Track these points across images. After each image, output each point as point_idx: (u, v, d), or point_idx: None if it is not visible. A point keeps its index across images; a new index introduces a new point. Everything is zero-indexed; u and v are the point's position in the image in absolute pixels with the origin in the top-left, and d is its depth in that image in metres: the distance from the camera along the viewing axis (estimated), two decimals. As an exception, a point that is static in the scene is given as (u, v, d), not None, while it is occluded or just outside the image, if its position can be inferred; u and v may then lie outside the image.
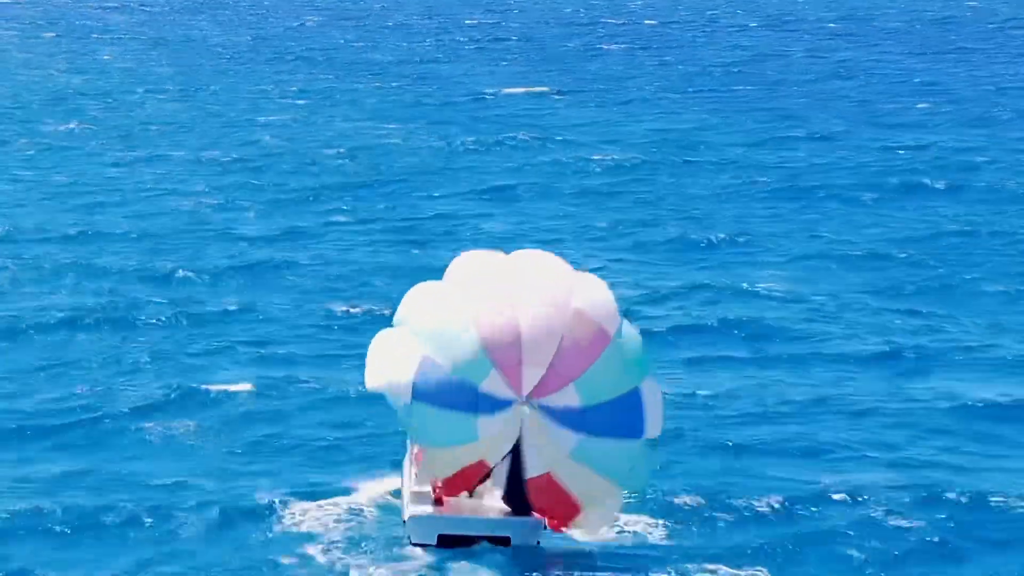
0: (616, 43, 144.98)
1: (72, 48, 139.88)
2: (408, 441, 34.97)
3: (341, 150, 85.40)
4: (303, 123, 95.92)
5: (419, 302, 32.68)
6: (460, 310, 31.79)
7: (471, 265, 33.03)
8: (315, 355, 48.79)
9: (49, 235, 64.40)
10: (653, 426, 32.11)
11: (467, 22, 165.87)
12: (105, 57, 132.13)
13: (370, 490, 37.08)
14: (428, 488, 33.14)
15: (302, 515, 35.89)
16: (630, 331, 32.45)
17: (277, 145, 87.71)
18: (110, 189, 74.74)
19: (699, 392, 44.93)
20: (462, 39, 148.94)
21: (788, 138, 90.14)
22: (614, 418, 31.73)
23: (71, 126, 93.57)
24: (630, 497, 33.98)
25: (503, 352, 31.35)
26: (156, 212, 69.48)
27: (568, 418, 31.57)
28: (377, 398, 33.82)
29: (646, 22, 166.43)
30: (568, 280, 32.33)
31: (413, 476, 33.82)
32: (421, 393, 31.58)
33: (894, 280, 58.51)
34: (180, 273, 58.21)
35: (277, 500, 36.65)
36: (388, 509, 35.87)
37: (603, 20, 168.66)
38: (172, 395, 44.42)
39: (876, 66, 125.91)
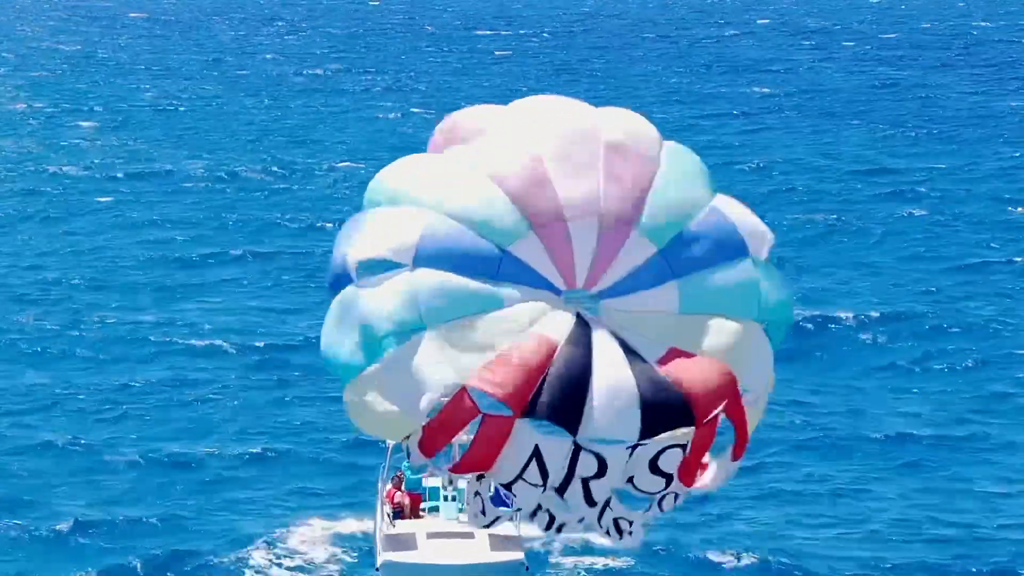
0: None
1: None
2: (379, 480, 30.64)
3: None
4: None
5: (410, 172, 23.84)
6: (474, 167, 23.46)
7: (469, 122, 24.27)
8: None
9: None
10: (757, 243, 23.90)
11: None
12: None
13: (340, 529, 35.38)
14: (401, 532, 28.59)
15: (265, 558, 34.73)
16: (677, 148, 24.64)
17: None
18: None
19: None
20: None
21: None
22: (703, 244, 23.62)
23: None
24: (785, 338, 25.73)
25: (542, 216, 23.16)
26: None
27: (650, 273, 23.40)
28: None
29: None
30: (591, 115, 24.29)
31: (386, 518, 29.27)
32: (426, 257, 22.83)
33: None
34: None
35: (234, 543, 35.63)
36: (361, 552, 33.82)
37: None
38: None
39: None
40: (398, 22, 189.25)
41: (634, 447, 22.52)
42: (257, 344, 54.09)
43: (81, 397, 48.46)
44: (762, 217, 24.56)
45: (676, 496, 23.49)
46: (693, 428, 22.71)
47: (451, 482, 31.28)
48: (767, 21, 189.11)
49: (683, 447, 22.79)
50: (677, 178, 24.05)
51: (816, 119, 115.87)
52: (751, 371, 23.21)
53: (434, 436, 22.56)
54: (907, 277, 67.82)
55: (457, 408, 22.37)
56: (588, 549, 36.71)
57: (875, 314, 60.23)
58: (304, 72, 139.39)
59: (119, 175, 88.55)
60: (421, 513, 31.57)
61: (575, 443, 22.36)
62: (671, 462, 22.83)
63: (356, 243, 23.24)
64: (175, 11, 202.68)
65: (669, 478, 22.89)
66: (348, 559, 35.89)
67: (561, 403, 22.30)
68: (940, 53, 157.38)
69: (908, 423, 48.95)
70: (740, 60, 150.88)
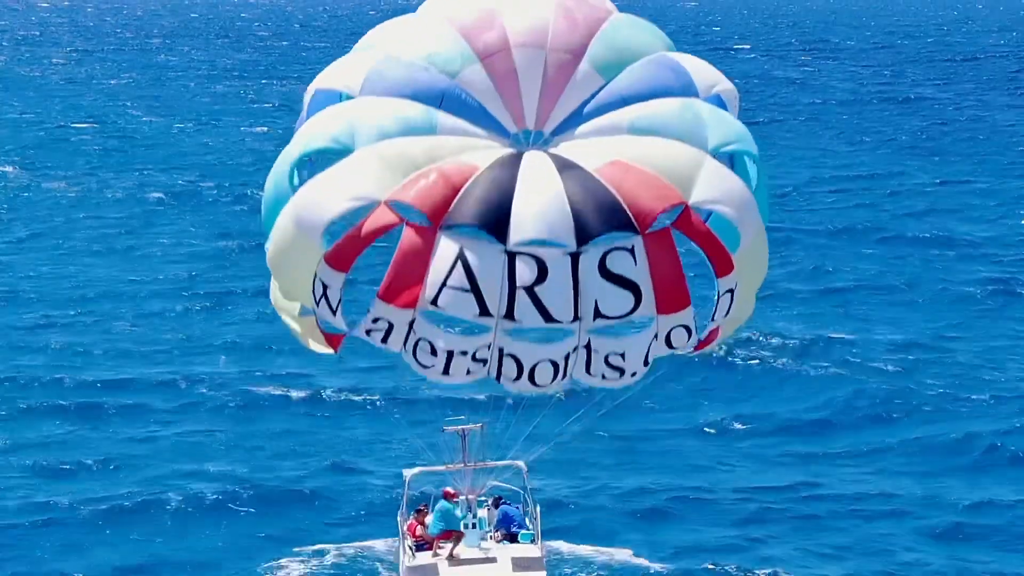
0: None
1: None
2: (399, 512, 30.02)
3: None
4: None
5: (384, 26, 23.99)
6: (434, 15, 23.48)
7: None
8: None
9: None
10: (709, 86, 23.13)
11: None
12: None
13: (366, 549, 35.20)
14: (423, 562, 27.90)
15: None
16: (634, 16, 24.05)
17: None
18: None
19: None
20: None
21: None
22: (651, 78, 22.74)
23: None
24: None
25: (489, 48, 22.70)
26: None
27: (598, 104, 22.60)
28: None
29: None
30: None
31: (408, 550, 28.58)
32: (372, 84, 22.63)
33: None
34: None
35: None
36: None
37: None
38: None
39: None
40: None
41: (575, 255, 21.23)
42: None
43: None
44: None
45: (687, 331, 22.06)
46: (637, 235, 21.39)
47: (471, 510, 30.33)
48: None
49: (631, 254, 21.35)
50: (630, 25, 23.52)
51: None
52: (707, 188, 21.93)
53: (350, 244, 21.72)
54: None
55: (376, 219, 21.53)
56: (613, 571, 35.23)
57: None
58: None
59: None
60: (441, 547, 30.42)
61: (507, 252, 21.18)
62: (627, 267, 21.34)
63: (314, 81, 23.58)
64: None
65: (635, 289, 21.39)
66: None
67: (484, 208, 21.32)
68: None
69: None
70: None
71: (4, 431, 44.19)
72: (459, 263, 21.27)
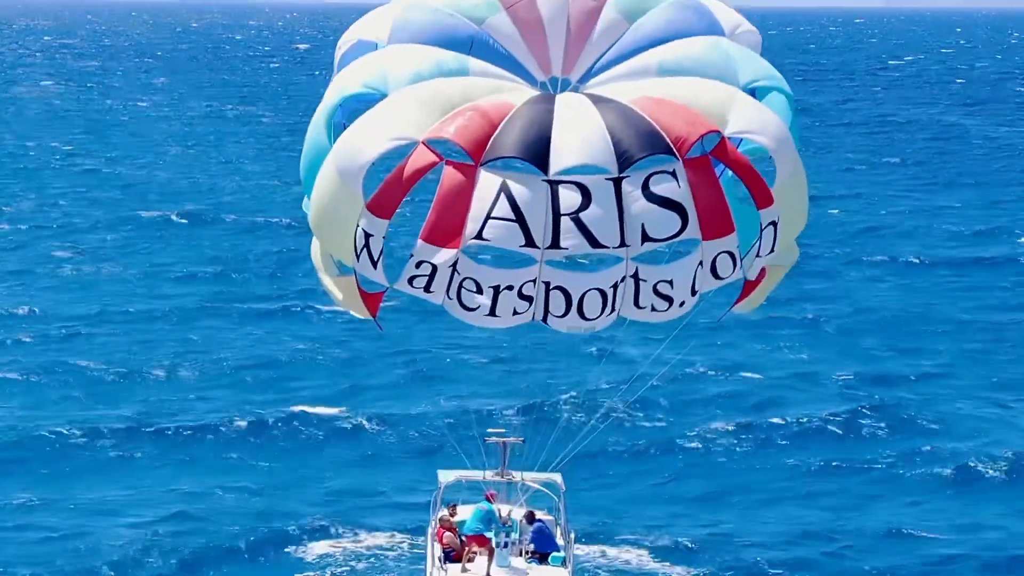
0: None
1: None
2: (431, 520, 28.98)
3: None
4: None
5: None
6: None
7: None
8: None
9: None
10: (733, 27, 23.30)
11: None
12: None
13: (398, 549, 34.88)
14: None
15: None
16: None
17: None
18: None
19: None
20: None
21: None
22: (677, 17, 22.98)
23: None
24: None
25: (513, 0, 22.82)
26: None
27: (624, 46, 22.78)
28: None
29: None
30: None
31: (436, 561, 27.82)
32: (399, 32, 22.76)
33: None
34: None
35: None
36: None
37: None
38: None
39: None
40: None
41: (618, 181, 21.13)
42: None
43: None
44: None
45: (732, 258, 21.80)
46: (677, 160, 21.39)
47: (506, 526, 29.74)
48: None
49: (673, 177, 21.31)
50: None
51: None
52: (741, 119, 21.94)
53: (391, 189, 21.51)
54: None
55: (416, 160, 21.42)
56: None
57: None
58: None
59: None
60: (473, 553, 29.74)
61: (549, 181, 21.08)
62: (671, 189, 21.25)
63: (344, 35, 23.74)
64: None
65: (680, 210, 21.26)
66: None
67: (524, 140, 21.23)
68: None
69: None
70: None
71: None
72: (502, 195, 21.18)
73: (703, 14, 23.37)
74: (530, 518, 29.00)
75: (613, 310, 21.88)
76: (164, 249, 74.26)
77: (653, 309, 21.96)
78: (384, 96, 22.19)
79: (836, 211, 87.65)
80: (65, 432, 43.75)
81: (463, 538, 28.56)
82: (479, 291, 21.61)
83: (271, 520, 37.42)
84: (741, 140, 22.38)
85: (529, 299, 21.69)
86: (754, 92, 23.01)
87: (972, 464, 42.54)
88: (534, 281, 21.55)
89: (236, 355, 53.29)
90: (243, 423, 44.86)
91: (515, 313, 21.81)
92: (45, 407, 46.99)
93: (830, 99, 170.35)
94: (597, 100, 22.03)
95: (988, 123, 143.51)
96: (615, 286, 21.69)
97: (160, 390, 48.98)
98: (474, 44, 22.75)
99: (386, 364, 51.83)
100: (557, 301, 21.69)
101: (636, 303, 21.92)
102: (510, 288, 21.56)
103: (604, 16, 23.17)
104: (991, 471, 42.19)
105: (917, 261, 73.74)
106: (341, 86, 22.68)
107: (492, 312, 21.78)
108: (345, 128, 22.48)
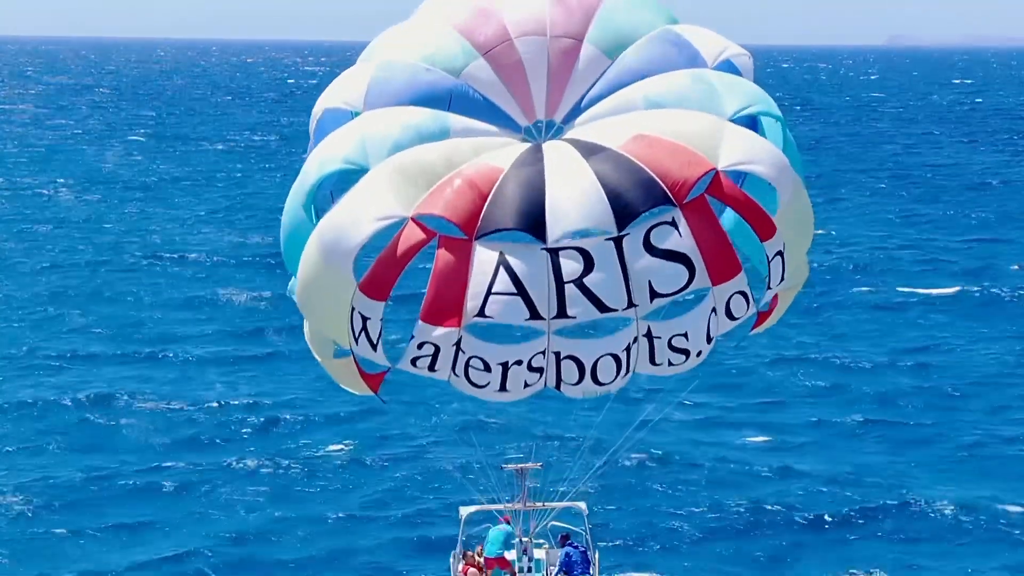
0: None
1: None
2: (452, 556, 28.16)
3: None
4: None
5: (384, 33, 23.24)
6: (431, 18, 22.83)
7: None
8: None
9: None
10: (716, 53, 22.31)
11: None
12: None
13: None
14: None
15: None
16: None
17: None
18: None
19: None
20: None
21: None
22: (658, 52, 22.04)
23: None
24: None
25: (490, 41, 22.03)
26: None
27: (607, 82, 21.89)
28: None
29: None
30: None
31: None
32: (375, 96, 21.76)
33: None
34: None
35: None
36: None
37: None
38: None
39: None
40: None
41: (618, 239, 20.26)
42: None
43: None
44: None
45: (745, 297, 20.96)
46: (675, 207, 20.50)
47: (526, 552, 29.09)
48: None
49: (673, 226, 20.43)
50: (626, 5, 22.75)
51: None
52: (733, 151, 21.04)
53: (385, 269, 20.60)
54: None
55: (408, 238, 20.49)
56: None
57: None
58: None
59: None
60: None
61: (548, 249, 20.17)
62: (673, 240, 20.40)
63: (318, 102, 22.67)
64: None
65: (686, 261, 20.41)
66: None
67: (518, 209, 20.33)
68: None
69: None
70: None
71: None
72: (501, 268, 20.31)
73: (683, 46, 22.37)
74: (562, 541, 28.54)
75: (628, 371, 21.06)
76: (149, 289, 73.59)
77: (670, 364, 21.16)
78: (365, 170, 21.21)
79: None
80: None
81: (483, 560, 28.21)
82: (487, 368, 20.76)
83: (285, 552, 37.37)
84: (741, 173, 21.49)
85: (540, 370, 20.88)
86: (751, 120, 22.08)
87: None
88: (544, 352, 20.72)
89: (237, 395, 52.95)
90: (251, 463, 44.85)
91: (527, 385, 20.99)
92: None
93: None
94: (588, 152, 21.05)
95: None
96: (628, 348, 20.85)
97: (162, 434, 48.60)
98: (453, 98, 21.81)
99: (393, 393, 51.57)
100: (569, 369, 20.87)
101: (652, 360, 21.10)
102: (519, 363, 20.74)
103: (583, 54, 22.23)
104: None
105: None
106: (320, 162, 21.65)
107: (503, 388, 20.94)
108: (331, 200, 21.55)
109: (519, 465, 28.45)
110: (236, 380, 55.61)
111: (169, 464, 45.32)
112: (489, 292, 20.32)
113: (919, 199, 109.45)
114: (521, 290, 20.26)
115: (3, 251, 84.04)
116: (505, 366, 20.71)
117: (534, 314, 20.35)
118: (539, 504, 28.23)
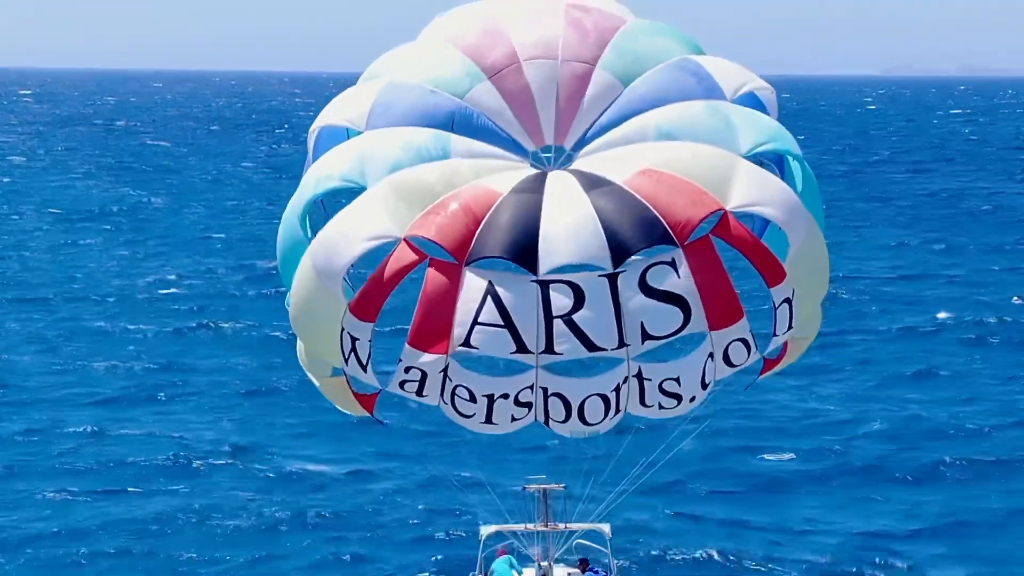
0: None
1: None
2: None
3: None
4: None
5: (388, 54, 22.56)
6: (436, 39, 22.14)
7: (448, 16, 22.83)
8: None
9: None
10: (737, 85, 21.33)
11: None
12: None
13: None
14: None
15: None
16: (654, 23, 22.50)
17: None
18: None
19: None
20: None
21: None
22: (673, 81, 21.10)
23: None
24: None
25: (498, 63, 21.25)
26: None
27: (619, 110, 20.96)
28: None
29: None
30: None
31: None
32: (378, 116, 21.06)
33: None
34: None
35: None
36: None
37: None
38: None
39: None
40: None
41: (613, 276, 19.44)
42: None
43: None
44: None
45: (746, 345, 20.07)
46: (676, 248, 19.66)
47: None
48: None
49: (672, 267, 19.55)
50: (648, 30, 21.92)
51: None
52: (745, 191, 20.13)
53: (374, 290, 20.05)
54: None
55: (398, 259, 19.91)
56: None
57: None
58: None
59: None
60: None
61: (538, 282, 19.48)
62: (670, 281, 19.52)
63: (318, 118, 22.03)
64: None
65: (682, 304, 19.52)
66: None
67: (510, 238, 19.63)
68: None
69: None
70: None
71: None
72: (488, 298, 19.63)
73: (702, 77, 21.45)
74: (583, 567, 27.85)
75: (618, 411, 20.33)
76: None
77: (661, 407, 20.36)
78: (362, 189, 20.61)
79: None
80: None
81: None
82: (472, 399, 20.13)
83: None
84: (751, 215, 20.57)
85: (527, 405, 20.20)
86: (763, 158, 21.13)
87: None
88: (531, 387, 20.04)
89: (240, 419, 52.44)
90: (261, 489, 44.34)
91: (514, 420, 20.34)
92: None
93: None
94: (590, 184, 20.24)
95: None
96: (617, 388, 20.10)
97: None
98: (456, 120, 21.06)
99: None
100: (556, 408, 20.18)
101: (642, 402, 20.33)
102: (505, 396, 20.06)
103: (596, 79, 21.39)
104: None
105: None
106: (317, 179, 21.06)
107: (488, 420, 20.29)
108: (324, 212, 21.02)
109: (542, 486, 27.71)
110: (234, 408, 55.19)
111: (169, 488, 45.02)
112: (475, 322, 19.68)
113: (927, 228, 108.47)
114: (508, 322, 19.60)
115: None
116: (491, 398, 20.09)
117: (520, 347, 19.69)
118: (561, 526, 27.43)
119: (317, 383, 22.22)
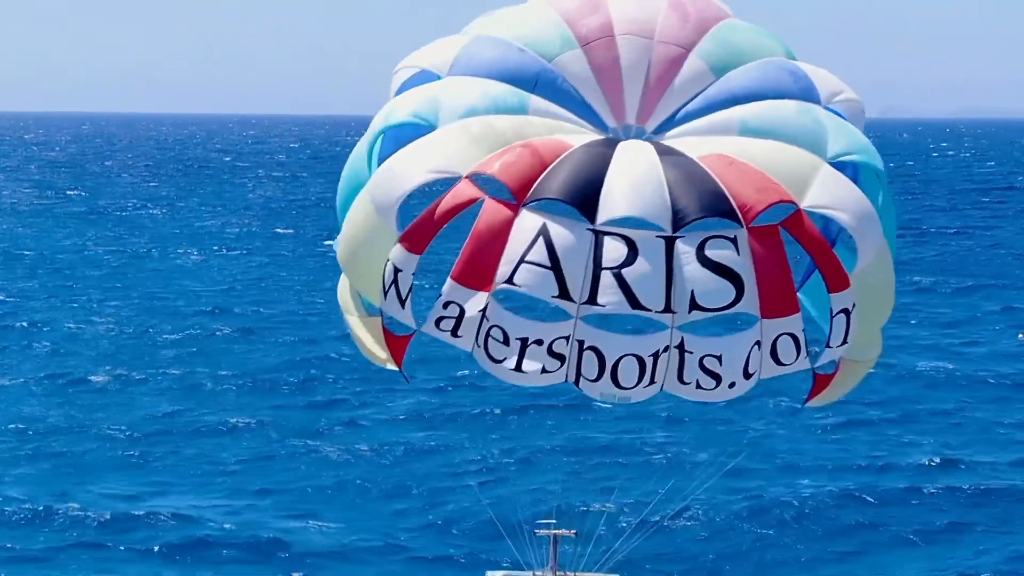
0: None
1: None
2: None
3: None
4: None
5: (489, 13, 22.24)
6: (530, 7, 21.79)
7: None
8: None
9: None
10: (831, 93, 20.96)
11: None
12: None
13: None
14: None
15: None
16: (754, 25, 21.98)
17: None
18: None
19: None
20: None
21: None
22: (769, 78, 20.80)
23: None
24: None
25: (592, 33, 20.91)
26: None
27: (708, 100, 20.71)
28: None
29: None
30: None
31: None
32: (461, 66, 20.90)
33: None
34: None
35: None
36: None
37: None
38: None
39: None
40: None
41: (671, 240, 19.15)
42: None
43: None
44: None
45: (795, 342, 19.46)
46: (740, 227, 19.29)
47: None
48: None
49: (733, 243, 19.17)
50: (748, 28, 21.60)
51: None
52: (821, 193, 19.76)
53: (426, 223, 19.88)
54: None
55: (456, 195, 19.72)
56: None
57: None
58: None
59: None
60: None
61: (594, 231, 19.18)
62: (728, 256, 19.16)
63: (405, 60, 21.80)
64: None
65: (736, 280, 19.15)
66: None
67: (573, 183, 19.36)
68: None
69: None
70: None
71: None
72: (540, 238, 19.33)
73: (799, 78, 21.14)
74: None
75: (653, 381, 19.68)
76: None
77: (699, 386, 19.74)
78: (432, 128, 20.47)
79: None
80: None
81: None
82: (505, 342, 19.65)
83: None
84: (823, 217, 20.13)
85: (560, 358, 19.66)
86: (844, 167, 20.58)
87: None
88: (567, 339, 19.54)
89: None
90: (266, 527, 44.12)
91: (544, 371, 19.73)
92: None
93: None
94: (662, 152, 20.01)
95: None
96: (655, 355, 19.51)
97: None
98: (539, 82, 20.86)
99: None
100: (590, 363, 19.62)
101: (680, 378, 19.72)
102: (539, 343, 19.56)
103: (688, 65, 21.06)
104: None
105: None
106: (387, 113, 20.99)
107: (519, 367, 19.75)
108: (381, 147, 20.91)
109: (553, 531, 27.26)
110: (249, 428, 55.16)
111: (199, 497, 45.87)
112: (522, 259, 19.37)
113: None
114: (555, 265, 19.27)
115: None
116: (524, 342, 19.59)
117: (563, 293, 19.32)
118: (571, 574, 26.57)
119: (351, 323, 21.79)
